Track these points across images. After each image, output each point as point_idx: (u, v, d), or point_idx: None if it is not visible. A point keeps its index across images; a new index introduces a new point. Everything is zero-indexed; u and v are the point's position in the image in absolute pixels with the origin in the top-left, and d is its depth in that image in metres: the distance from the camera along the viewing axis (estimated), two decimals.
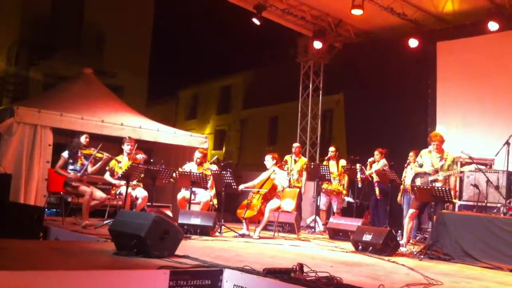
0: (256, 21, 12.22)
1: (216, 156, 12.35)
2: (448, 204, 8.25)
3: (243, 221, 8.85)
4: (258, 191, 8.80)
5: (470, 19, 11.74)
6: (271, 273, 4.79)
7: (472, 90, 11.93)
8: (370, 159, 10.69)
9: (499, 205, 8.37)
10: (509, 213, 7.59)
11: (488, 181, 8.72)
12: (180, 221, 8.40)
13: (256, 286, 4.75)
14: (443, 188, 7.64)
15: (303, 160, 11.29)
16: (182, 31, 30.42)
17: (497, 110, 11.14)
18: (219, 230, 8.78)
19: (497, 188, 8.81)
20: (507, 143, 8.07)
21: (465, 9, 11.61)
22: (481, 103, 11.67)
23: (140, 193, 9.03)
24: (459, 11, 11.68)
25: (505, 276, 6.17)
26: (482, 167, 8.97)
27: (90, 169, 8.75)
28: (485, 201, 8.82)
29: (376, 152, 10.67)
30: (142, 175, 8.85)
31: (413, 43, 12.19)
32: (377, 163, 10.61)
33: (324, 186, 10.87)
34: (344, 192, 10.99)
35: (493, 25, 10.93)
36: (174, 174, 9.26)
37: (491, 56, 11.71)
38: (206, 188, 9.44)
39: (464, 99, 12.07)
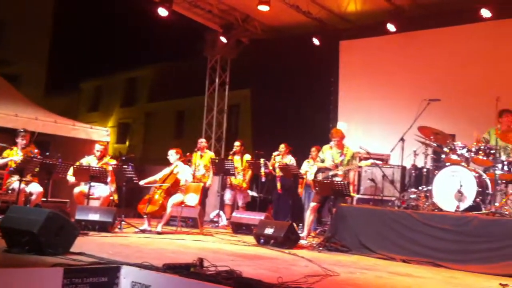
0: (163, 11, 11.95)
1: (119, 152, 11.96)
2: (347, 197, 8.51)
3: (145, 216, 8.64)
4: (160, 186, 8.63)
5: (371, 19, 12.21)
6: (171, 268, 4.70)
7: (372, 88, 12.41)
8: (275, 153, 10.82)
9: (393, 198, 8.76)
10: (403, 206, 7.93)
11: (384, 175, 9.11)
12: (77, 217, 8.07)
13: (155, 282, 4.61)
14: (343, 182, 7.87)
15: (209, 154, 11.23)
16: (86, 20, 29.27)
17: (395, 108, 11.65)
18: (119, 226, 8.51)
19: (392, 182, 9.23)
20: (402, 139, 8.44)
21: (367, 10, 12.05)
22: (380, 101, 12.16)
23: (34, 188, 8.56)
24: (361, 11, 12.10)
25: (397, 266, 6.44)
26: (379, 162, 9.34)
27: None
28: (381, 195, 9.22)
29: (281, 146, 10.81)
30: (37, 169, 8.39)
31: (317, 41, 12.48)
32: (282, 157, 10.74)
33: (234, 181, 10.87)
34: (245, 185, 11.03)
35: (392, 26, 11.43)
36: (71, 168, 8.85)
37: (390, 56, 12.25)
38: (106, 183, 9.12)
39: (364, 96, 12.53)
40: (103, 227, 8.10)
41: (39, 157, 8.52)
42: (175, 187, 8.68)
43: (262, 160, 10.61)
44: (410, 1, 11.35)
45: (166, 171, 8.92)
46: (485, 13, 10.22)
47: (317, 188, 8.16)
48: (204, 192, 10.67)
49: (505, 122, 7.74)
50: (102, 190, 9.14)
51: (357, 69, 12.85)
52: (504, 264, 6.13)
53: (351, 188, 8.10)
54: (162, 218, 8.59)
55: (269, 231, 7.63)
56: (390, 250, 7.12)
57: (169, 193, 8.61)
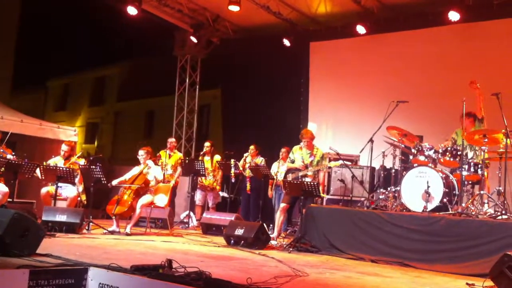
0: (132, 9, 11.82)
1: (81, 152, 11.76)
2: (317, 198, 8.56)
3: (113, 217, 8.54)
4: (129, 187, 8.53)
5: (341, 21, 12.31)
6: (139, 270, 4.66)
7: (341, 89, 12.51)
8: (246, 154, 10.81)
9: (362, 199, 8.84)
10: (372, 206, 8.01)
11: (353, 176, 9.18)
12: (44, 218, 7.93)
13: (122, 284, 4.57)
14: (313, 183, 7.91)
15: (178, 154, 11.16)
16: (53, 18, 28.74)
17: (364, 109, 11.76)
18: (87, 227, 8.38)
19: (361, 183, 9.31)
20: (371, 140, 8.51)
21: (336, 12, 12.15)
22: (349, 102, 12.27)
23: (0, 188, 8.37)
24: (331, 13, 12.19)
25: (366, 266, 6.50)
26: (348, 163, 9.42)
27: None
28: (351, 195, 9.29)
29: (251, 147, 10.81)
30: (3, 169, 8.21)
31: (287, 42, 12.52)
32: (252, 158, 10.74)
33: (205, 182, 10.81)
34: (218, 187, 11.01)
35: (361, 28, 11.54)
36: (38, 169, 8.68)
37: (360, 57, 12.36)
38: (73, 183, 8.97)
39: (334, 98, 12.63)
40: (70, 228, 7.96)
41: (7, 157, 8.34)
42: (144, 187, 8.59)
43: (232, 161, 10.60)
44: (379, 3, 11.47)
45: (135, 170, 8.83)
46: (453, 16, 10.39)
47: (287, 189, 8.18)
48: (174, 193, 10.60)
49: (467, 125, 7.89)
50: (69, 191, 9.01)
51: (327, 70, 12.93)
52: (471, 264, 6.24)
53: (320, 188, 8.14)
54: (131, 219, 8.51)
55: (239, 231, 7.62)
56: (359, 250, 7.18)
57: (138, 194, 8.53)
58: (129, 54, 26.37)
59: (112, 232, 8.35)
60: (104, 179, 8.58)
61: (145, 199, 8.53)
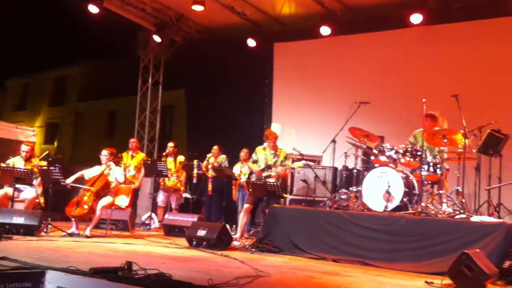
0: (93, 8, 11.63)
1: (47, 152, 11.51)
2: (280, 198, 8.57)
3: (73, 219, 8.35)
4: (89, 189, 8.37)
5: (305, 23, 12.36)
6: (98, 272, 4.57)
7: (305, 90, 12.56)
8: (209, 155, 10.76)
9: (325, 199, 8.89)
10: (334, 206, 8.06)
11: (316, 176, 9.23)
12: (0, 220, 7.69)
13: (81, 287, 4.50)
14: (276, 184, 7.91)
15: (141, 154, 11.02)
16: (12, 16, 28.01)
17: (327, 110, 11.84)
18: (45, 230, 8.19)
19: (324, 183, 9.38)
20: (334, 141, 8.58)
21: (300, 13, 12.20)
22: (313, 103, 12.34)
23: None
24: (295, 14, 12.24)
25: (328, 266, 6.53)
26: (311, 163, 9.47)
27: None
28: (313, 196, 9.34)
29: (214, 147, 10.76)
30: None
31: (251, 42, 12.52)
32: (215, 159, 10.70)
33: (167, 183, 10.71)
34: (182, 188, 10.92)
35: (325, 30, 11.62)
36: None
37: (323, 59, 12.45)
38: (31, 185, 8.75)
39: (298, 98, 12.68)
40: (28, 230, 7.76)
41: None
42: (105, 189, 8.45)
43: (195, 161, 10.53)
44: (342, 5, 11.58)
45: (96, 171, 8.67)
46: (415, 19, 10.56)
47: (250, 190, 8.17)
48: (136, 194, 10.45)
49: (428, 126, 8.02)
50: (27, 193, 8.79)
51: (291, 71, 12.98)
52: (430, 262, 6.34)
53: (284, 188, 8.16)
54: (91, 221, 8.34)
55: (201, 233, 7.56)
56: (321, 250, 7.22)
57: (98, 195, 8.37)
58: (91, 53, 25.92)
59: (71, 235, 8.17)
60: (64, 180, 8.39)
61: (106, 200, 8.38)
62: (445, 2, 10.83)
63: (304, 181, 9.47)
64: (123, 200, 8.85)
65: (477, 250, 5.53)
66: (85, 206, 8.25)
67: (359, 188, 7.87)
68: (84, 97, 27.66)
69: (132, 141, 10.95)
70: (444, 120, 8.20)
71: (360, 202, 7.80)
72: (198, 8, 11.37)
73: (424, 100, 7.78)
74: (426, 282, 5.42)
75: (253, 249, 7.39)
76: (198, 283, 4.41)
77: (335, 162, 8.88)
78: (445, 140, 7.51)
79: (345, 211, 7.59)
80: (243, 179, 9.78)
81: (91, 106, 27.00)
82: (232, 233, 8.25)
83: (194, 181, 10.62)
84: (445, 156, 7.74)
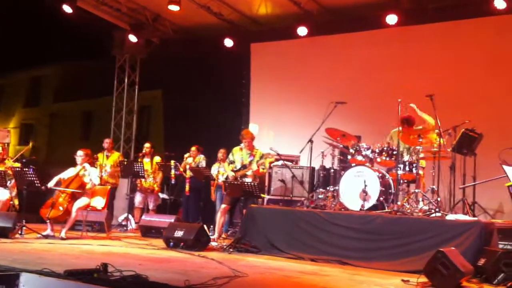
0: (67, 8, 11.49)
1: (21, 153, 11.34)
2: (258, 198, 8.57)
3: (48, 221, 8.24)
4: (64, 190, 8.26)
5: (282, 23, 12.38)
6: (73, 274, 4.55)
7: (283, 90, 12.58)
8: (186, 155, 10.70)
9: (302, 198, 8.91)
10: (311, 206, 8.08)
11: (293, 176, 9.25)
12: None
13: None
14: (253, 183, 7.91)
15: (117, 154, 10.92)
16: None
17: (304, 110, 11.87)
18: (20, 232, 8.06)
19: (301, 183, 9.41)
20: (311, 140, 8.61)
21: (277, 14, 12.21)
22: (290, 103, 12.36)
23: None
24: (272, 15, 12.24)
25: (305, 266, 6.54)
26: (289, 163, 9.48)
27: None
28: (291, 195, 9.36)
29: (192, 148, 10.71)
30: None
31: (228, 42, 12.50)
32: (193, 159, 10.65)
33: (144, 184, 10.62)
34: (157, 188, 10.84)
35: (302, 30, 11.65)
36: None
37: (300, 59, 12.47)
38: (5, 187, 8.61)
39: (275, 99, 12.69)
40: (2, 233, 7.66)
41: None
42: (80, 190, 8.34)
43: (172, 162, 10.47)
44: (319, 6, 11.62)
45: (71, 172, 8.57)
46: (391, 19, 10.65)
47: (227, 190, 8.15)
48: (112, 195, 10.34)
49: (405, 131, 8.08)
50: (1, 194, 8.67)
51: (268, 72, 12.99)
52: (406, 261, 6.39)
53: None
54: (66, 223, 8.24)
55: (178, 233, 7.52)
56: (299, 249, 7.22)
57: (74, 196, 8.28)
58: (66, 53, 25.56)
59: (46, 237, 8.07)
60: (38, 182, 8.27)
61: (81, 202, 8.29)
62: (419, 3, 10.94)
63: (282, 181, 9.48)
64: (99, 201, 8.77)
65: (452, 248, 5.60)
66: (60, 208, 8.18)
67: (336, 188, 7.91)
68: (59, 98, 27.31)
69: (107, 141, 10.84)
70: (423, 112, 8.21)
71: (337, 201, 7.84)
72: (174, 8, 11.30)
73: (399, 100, 7.85)
74: (403, 280, 5.47)
75: (231, 250, 7.37)
76: (174, 284, 4.38)
77: (312, 162, 8.91)
78: (421, 140, 7.59)
79: (322, 210, 7.62)
80: (221, 179, 9.75)
81: (67, 107, 26.67)
82: (210, 234, 8.22)
83: (172, 181, 10.55)
84: (421, 155, 7.81)
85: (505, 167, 4.78)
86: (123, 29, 13.64)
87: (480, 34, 10.40)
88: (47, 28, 23.80)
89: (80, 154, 8.60)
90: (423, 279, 5.31)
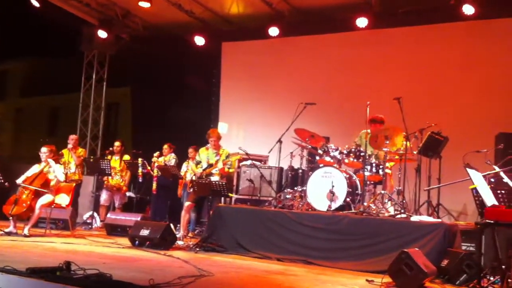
0: (35, 2, 11.27)
1: None
2: (225, 197, 8.54)
3: (10, 218, 8.08)
4: (28, 187, 8.09)
5: (253, 23, 12.37)
6: (35, 272, 4.48)
7: (253, 90, 12.59)
8: (156, 153, 10.60)
9: (270, 198, 8.92)
10: (279, 206, 8.09)
11: (261, 176, 9.25)
12: None
13: (18, 287, 4.38)
14: (221, 183, 7.88)
15: (81, 150, 10.75)
16: None
17: (274, 110, 11.89)
18: None
19: (269, 183, 9.41)
20: (280, 141, 8.64)
21: (249, 13, 12.20)
22: (260, 103, 12.38)
23: None
24: (244, 14, 12.22)
25: (272, 265, 6.55)
26: (258, 163, 9.48)
27: None
28: (259, 195, 9.36)
29: (165, 146, 10.63)
30: None
31: (199, 41, 12.43)
32: (165, 157, 10.57)
33: (111, 181, 10.48)
34: (124, 188, 10.72)
35: (273, 31, 11.66)
36: None
37: (271, 59, 12.50)
38: None
39: (245, 98, 12.69)
40: None
41: None
42: (44, 187, 8.19)
43: (140, 160, 10.37)
44: (290, 7, 11.65)
45: (35, 169, 8.41)
46: (361, 22, 10.75)
47: (195, 188, 8.10)
48: (77, 193, 10.19)
49: (373, 130, 8.18)
50: None
51: (238, 71, 12.98)
52: (371, 261, 6.46)
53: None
54: (30, 220, 8.08)
55: (144, 232, 7.44)
56: (266, 249, 7.23)
57: (37, 193, 8.13)
58: (34, 48, 25.06)
59: (9, 234, 7.90)
60: (2, 178, 8.09)
61: (45, 199, 8.14)
62: (389, 7, 11.06)
63: (250, 180, 9.46)
64: (63, 199, 8.64)
65: (416, 249, 5.67)
66: (24, 205, 8.04)
67: (304, 188, 7.93)
68: (25, 93, 26.74)
69: (72, 137, 10.65)
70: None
71: (304, 201, 7.86)
72: (144, 4, 11.21)
73: (368, 102, 7.94)
74: (367, 280, 5.52)
75: (197, 249, 7.33)
76: (138, 283, 4.33)
77: (281, 162, 8.94)
78: (387, 142, 7.68)
79: (289, 210, 7.64)
80: (188, 177, 9.69)
81: (33, 102, 26.14)
82: (177, 233, 8.16)
83: (140, 179, 10.45)
84: (387, 157, 7.90)
85: (468, 170, 4.86)
86: (92, 25, 13.43)
87: (448, 39, 10.59)
88: (14, 22, 23.29)
89: (44, 151, 8.45)
90: (387, 279, 5.37)
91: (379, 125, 8.20)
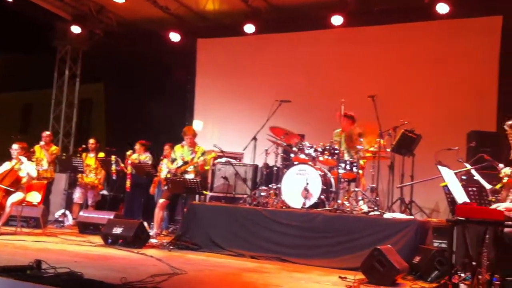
0: None
1: None
2: (200, 195, 8.49)
3: None
4: None
5: (229, 20, 12.32)
6: (5, 271, 4.41)
7: (228, 87, 12.56)
8: (129, 152, 10.48)
9: (245, 196, 8.91)
10: (253, 203, 8.09)
11: (236, 173, 9.23)
12: None
13: None
14: (196, 180, 7.83)
15: (54, 148, 10.58)
16: None
17: (249, 107, 11.87)
18: None
19: (244, 180, 9.40)
20: (255, 138, 8.63)
21: (225, 10, 12.16)
22: (235, 100, 12.35)
23: None
24: (220, 11, 12.18)
25: (246, 263, 6.55)
26: (232, 160, 9.45)
27: None
28: (233, 193, 9.34)
29: (137, 146, 10.50)
30: None
31: (174, 37, 12.33)
32: (139, 155, 10.45)
33: (85, 179, 10.34)
34: (100, 186, 10.59)
35: (249, 28, 11.64)
36: None
37: (246, 56, 12.48)
38: None
39: (220, 95, 12.64)
40: None
41: None
42: (15, 184, 8.04)
43: (113, 157, 10.24)
44: (267, 4, 11.64)
45: (6, 166, 8.26)
46: (336, 20, 10.79)
47: (169, 185, 8.04)
48: (49, 190, 10.02)
49: (345, 126, 8.22)
50: None
51: (214, 68, 12.92)
52: (345, 258, 6.51)
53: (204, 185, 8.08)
54: (0, 218, 7.92)
55: (117, 230, 7.36)
56: (240, 246, 7.22)
57: (8, 191, 7.96)
58: (5, 43, 24.58)
59: None
60: None
61: (16, 196, 8.00)
62: (365, 5, 11.12)
63: (225, 178, 9.43)
64: (34, 196, 8.50)
65: (389, 246, 5.74)
66: None
67: (279, 185, 7.94)
68: None
69: (45, 134, 10.47)
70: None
71: (279, 199, 7.87)
72: (119, 0, 11.05)
73: (343, 100, 7.97)
74: (340, 277, 5.55)
75: (171, 247, 7.28)
76: (110, 282, 4.28)
77: (255, 159, 8.93)
78: (361, 139, 7.73)
79: (264, 208, 7.65)
80: (163, 175, 9.60)
81: (4, 98, 25.62)
82: (150, 231, 8.09)
83: (114, 177, 10.32)
84: (361, 154, 7.95)
85: (440, 167, 4.91)
86: (66, 20, 13.23)
87: (422, 38, 10.70)
88: None
89: (15, 148, 8.31)
90: (360, 276, 5.41)
91: (350, 121, 8.23)
